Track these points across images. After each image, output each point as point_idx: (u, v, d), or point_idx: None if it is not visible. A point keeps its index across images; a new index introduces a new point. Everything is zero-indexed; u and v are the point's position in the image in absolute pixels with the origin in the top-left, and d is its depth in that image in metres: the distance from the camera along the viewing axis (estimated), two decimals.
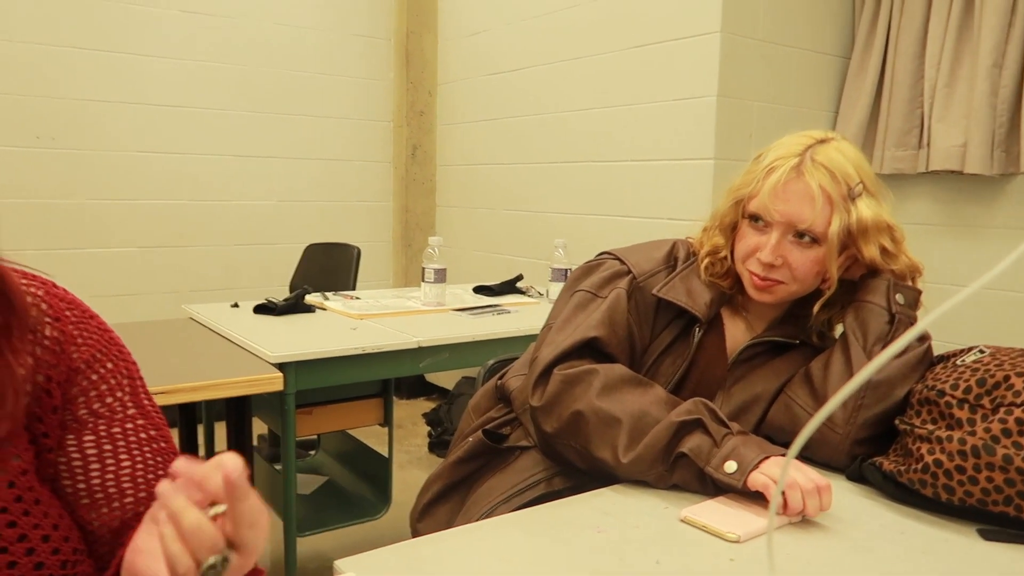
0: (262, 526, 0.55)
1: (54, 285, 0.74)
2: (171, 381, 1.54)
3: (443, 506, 1.23)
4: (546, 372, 1.10)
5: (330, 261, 3.13)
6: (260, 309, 2.24)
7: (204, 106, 3.56)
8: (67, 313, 0.72)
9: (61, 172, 3.25)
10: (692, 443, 0.98)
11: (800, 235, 1.08)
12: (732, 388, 1.17)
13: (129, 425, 0.73)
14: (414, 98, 4.08)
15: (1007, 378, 0.94)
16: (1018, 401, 0.91)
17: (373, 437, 2.60)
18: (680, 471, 0.99)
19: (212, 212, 3.64)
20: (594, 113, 3.13)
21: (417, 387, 4.22)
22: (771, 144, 1.14)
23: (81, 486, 0.69)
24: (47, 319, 0.69)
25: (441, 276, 2.40)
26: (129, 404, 0.74)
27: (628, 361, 1.15)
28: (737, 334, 1.20)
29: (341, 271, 3.01)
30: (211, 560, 0.53)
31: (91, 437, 0.70)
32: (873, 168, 1.14)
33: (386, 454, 2.24)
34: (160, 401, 1.47)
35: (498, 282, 2.77)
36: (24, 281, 0.69)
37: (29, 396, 0.66)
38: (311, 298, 2.44)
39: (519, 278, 2.82)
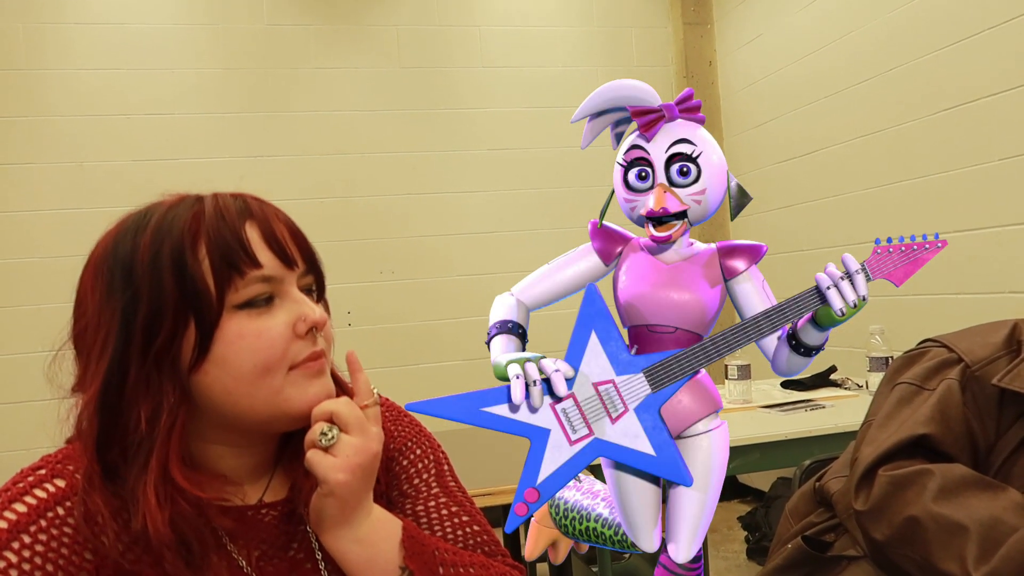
0: (371, 411, 0.70)
1: (398, 406, 0.89)
2: (493, 483, 1.67)
3: None
4: (869, 473, 1.01)
5: None
6: None
7: (512, 229, 3.94)
8: (385, 414, 0.85)
9: (399, 299, 3.78)
10: None
11: None
12: None
13: (432, 503, 0.82)
14: None
15: None
16: None
17: None
18: None
19: None
20: (902, 186, 2.89)
21: (730, 489, 4.03)
22: None
23: None
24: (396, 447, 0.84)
25: (745, 372, 2.33)
26: (433, 484, 0.83)
27: (970, 461, 1.01)
28: None
29: None
30: (325, 428, 0.68)
31: (399, 515, 0.79)
32: None
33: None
34: (483, 502, 1.61)
35: (809, 375, 2.60)
36: None
37: None
38: None
39: (832, 369, 2.63)
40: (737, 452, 1.92)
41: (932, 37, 2.69)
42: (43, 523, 0.64)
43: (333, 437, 0.67)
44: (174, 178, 3.41)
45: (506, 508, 2.27)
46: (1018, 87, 2.38)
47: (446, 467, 0.86)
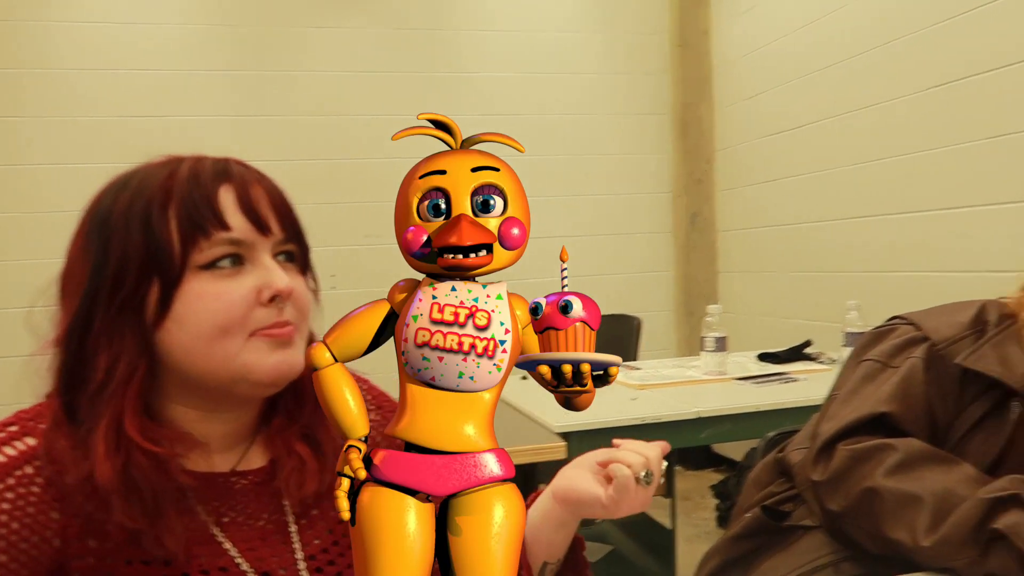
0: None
1: (371, 383, 0.90)
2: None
3: None
4: (828, 447, 1.03)
5: (612, 332, 3.22)
6: None
7: None
8: (385, 403, 0.88)
9: (384, 263, 3.76)
10: (1010, 520, 0.86)
11: None
12: None
13: None
14: (692, 167, 4.10)
15: None
16: None
17: (660, 509, 2.57)
18: (996, 556, 0.86)
19: (521, 293, 3.96)
20: (887, 163, 2.89)
21: (704, 458, 4.09)
22: None
23: None
24: (371, 407, 0.85)
25: (722, 344, 2.35)
26: None
27: (928, 438, 1.03)
28: None
29: (624, 342, 3.08)
30: (644, 473, 0.79)
31: None
32: None
33: (669, 526, 2.21)
34: None
35: (784, 348, 2.63)
36: None
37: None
38: None
39: (807, 344, 2.65)
40: (709, 422, 1.95)
41: (921, 14, 2.67)
42: (11, 481, 0.64)
43: (650, 480, 0.80)
44: (159, 136, 3.38)
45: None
46: (1005, 67, 2.37)
47: None
